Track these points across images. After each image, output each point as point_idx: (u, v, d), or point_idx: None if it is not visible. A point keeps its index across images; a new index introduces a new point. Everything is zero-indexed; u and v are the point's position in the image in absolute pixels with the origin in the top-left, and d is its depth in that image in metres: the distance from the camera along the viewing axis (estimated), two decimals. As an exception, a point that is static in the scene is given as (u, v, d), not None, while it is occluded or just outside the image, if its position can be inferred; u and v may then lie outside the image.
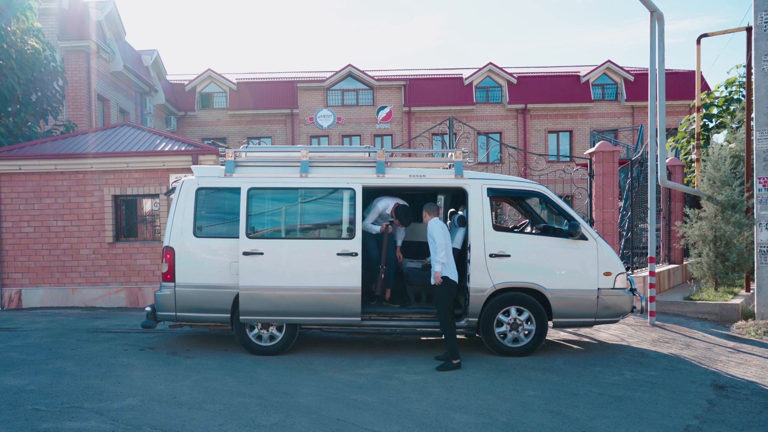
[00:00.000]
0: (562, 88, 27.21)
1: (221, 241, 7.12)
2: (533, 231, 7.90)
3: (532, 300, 7.03)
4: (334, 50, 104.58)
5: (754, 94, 9.57)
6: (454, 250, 7.27)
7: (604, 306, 7.05)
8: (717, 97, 18.43)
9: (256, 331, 7.17)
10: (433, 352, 7.26)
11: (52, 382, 5.98)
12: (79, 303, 11.27)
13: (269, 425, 4.78)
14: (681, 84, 25.68)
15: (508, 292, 7.04)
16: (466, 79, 27.28)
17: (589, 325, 7.28)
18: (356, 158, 7.40)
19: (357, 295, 6.91)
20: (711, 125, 18.42)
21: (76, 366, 6.65)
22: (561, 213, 7.32)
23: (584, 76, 27.23)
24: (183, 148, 11.24)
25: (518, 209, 8.70)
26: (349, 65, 27.24)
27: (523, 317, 7.03)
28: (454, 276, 6.59)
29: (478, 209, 7.08)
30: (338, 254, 6.95)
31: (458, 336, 7.29)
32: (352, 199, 7.06)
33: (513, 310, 7.04)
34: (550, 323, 7.17)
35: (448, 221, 8.58)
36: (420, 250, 8.39)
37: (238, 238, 6.99)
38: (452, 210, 8.76)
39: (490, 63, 27.21)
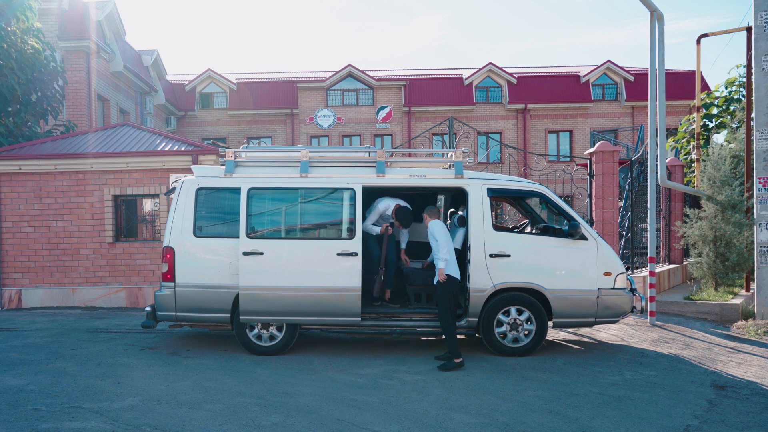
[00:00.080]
0: (562, 88, 27.22)
1: (221, 241, 7.12)
2: (533, 231, 7.90)
3: (532, 300, 7.02)
4: (334, 50, 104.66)
5: (754, 94, 9.57)
6: (455, 250, 7.26)
7: (604, 306, 7.05)
8: (717, 97, 18.43)
9: (256, 331, 7.17)
10: (433, 352, 7.26)
11: (52, 382, 5.98)
12: (79, 303, 11.27)
13: (269, 425, 4.78)
14: (681, 84, 25.69)
15: (508, 292, 7.04)
16: (466, 79, 27.28)
17: (589, 325, 7.28)
18: (356, 158, 7.40)
19: (357, 295, 6.91)
20: (711, 125, 18.42)
21: (76, 366, 6.65)
22: (561, 213, 7.31)
23: (584, 76, 27.24)
24: (183, 148, 11.24)
25: (518, 209, 8.69)
26: (349, 65, 27.24)
27: (523, 317, 7.03)
28: (456, 274, 6.59)
29: (478, 209, 7.08)
30: (338, 254, 6.95)
31: (458, 336, 7.28)
32: (352, 199, 7.06)
33: (513, 310, 7.03)
34: (550, 323, 7.16)
35: (448, 221, 8.58)
36: (420, 250, 8.38)
37: (238, 238, 6.99)
38: (452, 210, 8.76)
39: (490, 63, 27.21)
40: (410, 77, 27.82)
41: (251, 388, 5.77)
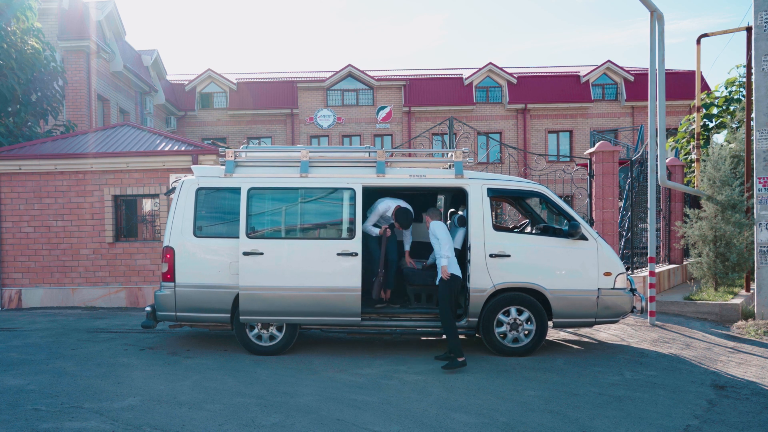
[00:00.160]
0: (562, 88, 27.22)
1: (221, 241, 7.12)
2: (533, 231, 7.90)
3: (532, 300, 7.02)
4: (334, 50, 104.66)
5: (754, 94, 9.57)
6: (455, 250, 7.26)
7: (604, 306, 7.05)
8: (717, 97, 18.44)
9: (256, 331, 7.17)
10: (433, 352, 7.26)
11: (52, 382, 5.98)
12: (79, 303, 11.28)
13: (269, 425, 4.78)
14: (681, 84, 25.69)
15: (508, 292, 7.04)
16: (466, 79, 27.29)
17: (589, 325, 7.28)
18: (356, 158, 7.40)
19: (357, 295, 6.91)
20: (711, 125, 18.43)
21: (76, 366, 6.65)
22: (561, 213, 7.31)
23: (584, 76, 27.24)
24: (183, 148, 11.24)
25: (518, 209, 8.69)
26: (349, 65, 27.24)
27: (523, 317, 7.03)
28: (458, 273, 6.59)
29: (478, 209, 7.08)
30: (338, 254, 6.95)
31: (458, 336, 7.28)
32: (352, 199, 7.06)
33: (513, 310, 7.03)
34: (550, 323, 7.16)
35: (448, 221, 8.58)
36: (421, 250, 8.38)
37: (238, 238, 6.99)
38: (452, 210, 8.76)
39: (490, 63, 27.21)
40: (410, 77, 27.83)
41: (251, 388, 5.77)
